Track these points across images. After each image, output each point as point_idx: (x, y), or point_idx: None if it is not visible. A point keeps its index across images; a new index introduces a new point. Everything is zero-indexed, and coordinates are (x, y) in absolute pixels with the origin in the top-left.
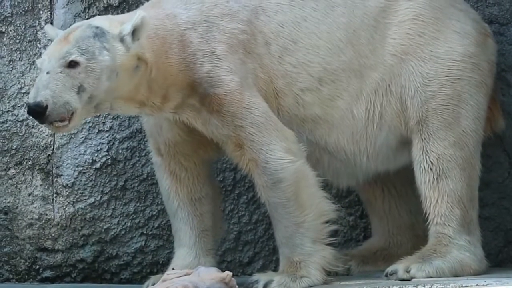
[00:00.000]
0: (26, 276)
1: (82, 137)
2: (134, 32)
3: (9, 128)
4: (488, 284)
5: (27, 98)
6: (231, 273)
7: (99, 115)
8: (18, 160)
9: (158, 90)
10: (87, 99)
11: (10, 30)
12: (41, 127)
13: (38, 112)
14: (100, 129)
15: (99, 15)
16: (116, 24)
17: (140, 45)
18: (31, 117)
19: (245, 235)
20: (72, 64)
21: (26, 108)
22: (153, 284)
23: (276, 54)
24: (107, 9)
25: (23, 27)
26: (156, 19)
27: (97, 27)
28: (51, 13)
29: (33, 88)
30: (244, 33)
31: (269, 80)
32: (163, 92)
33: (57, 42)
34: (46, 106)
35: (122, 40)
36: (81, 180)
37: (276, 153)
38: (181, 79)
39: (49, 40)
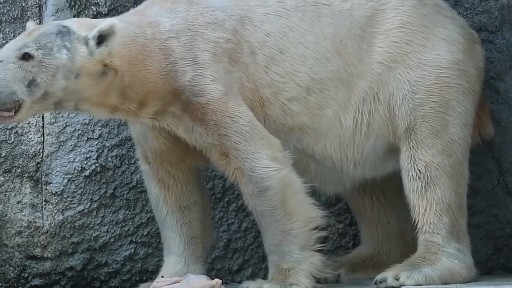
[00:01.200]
0: (15, 284)
1: (71, 145)
2: (101, 38)
3: None
4: None
5: None
6: (221, 281)
7: (89, 123)
8: (7, 167)
9: (135, 96)
10: (41, 95)
11: None
12: (31, 134)
13: None
14: (89, 136)
15: None
16: (87, 27)
17: (109, 52)
18: None
19: (235, 243)
20: (26, 57)
21: None
22: None
23: (262, 64)
24: (96, 17)
25: (12, 34)
26: (137, 27)
27: (64, 26)
28: (40, 21)
29: None
30: (229, 42)
31: (255, 89)
32: (140, 98)
33: (22, 35)
34: None
35: (86, 43)
36: (70, 188)
37: (262, 162)
38: (161, 86)
39: None
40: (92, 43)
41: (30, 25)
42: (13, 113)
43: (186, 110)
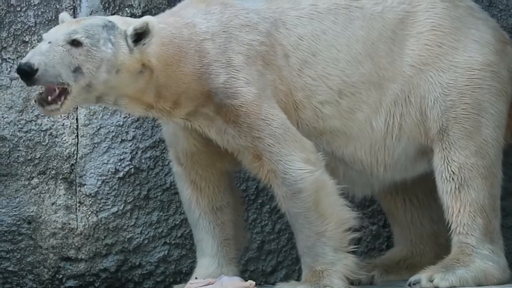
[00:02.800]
0: (50, 286)
1: (105, 147)
2: (138, 36)
3: (32, 137)
4: None
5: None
6: (254, 282)
7: (123, 125)
8: (41, 169)
9: (169, 96)
10: (85, 86)
11: (34, 40)
12: (65, 136)
13: (26, 72)
14: (123, 138)
15: None
16: (128, 25)
17: (147, 51)
18: (20, 76)
19: (268, 244)
20: (75, 43)
21: (16, 68)
22: None
23: (295, 67)
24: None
25: None
26: (174, 27)
27: (109, 21)
28: None
29: (29, 52)
30: (263, 45)
31: (288, 92)
32: (173, 98)
33: (69, 22)
34: (37, 69)
35: (126, 40)
36: (104, 190)
37: (295, 164)
38: (194, 88)
39: None
40: (130, 40)
41: (65, 15)
42: (59, 105)
43: (219, 112)
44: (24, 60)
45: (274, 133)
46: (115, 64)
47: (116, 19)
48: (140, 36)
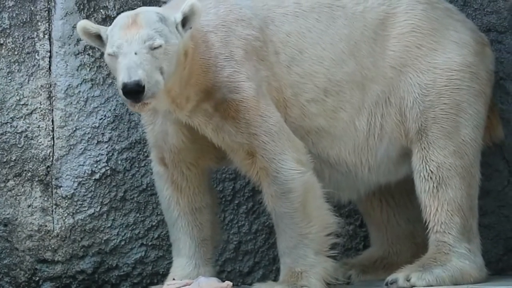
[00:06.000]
0: None
1: (81, 148)
2: (184, 21)
3: (8, 139)
4: None
5: (26, 109)
6: (231, 283)
7: (98, 126)
8: (17, 171)
9: (185, 88)
10: (166, 82)
11: (9, 42)
12: (40, 138)
13: (136, 91)
14: (99, 140)
15: None
16: (168, 11)
17: (187, 37)
18: (125, 96)
19: (245, 245)
20: (156, 46)
21: (122, 88)
22: None
23: (285, 64)
24: (106, 20)
25: (22, 38)
26: None
27: (158, 12)
28: (49, 25)
29: (122, 69)
30: (258, 40)
31: (280, 89)
32: (187, 91)
33: (126, 27)
34: (144, 85)
35: (176, 27)
36: (80, 191)
37: (288, 163)
38: (202, 81)
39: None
40: (180, 28)
41: (84, 22)
42: (151, 101)
43: (218, 109)
44: (126, 79)
45: (270, 130)
46: (178, 55)
47: (155, 9)
48: (185, 21)
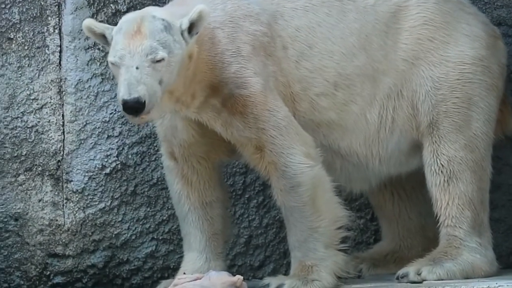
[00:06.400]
0: (37, 282)
1: (92, 143)
2: (191, 27)
3: (18, 134)
4: (499, 286)
5: (37, 104)
6: (242, 277)
7: (109, 121)
8: (28, 166)
9: (189, 86)
10: (163, 92)
11: (19, 37)
12: (51, 133)
13: (136, 108)
14: (109, 134)
15: (107, 21)
16: (170, 15)
17: (193, 42)
18: (125, 112)
19: (256, 239)
20: (158, 60)
21: (122, 104)
22: None
23: (293, 59)
24: (116, 15)
25: (32, 33)
26: None
27: (163, 19)
28: (59, 19)
29: (123, 83)
30: (265, 36)
31: (287, 84)
32: (192, 89)
33: (130, 36)
34: (144, 101)
35: (182, 34)
36: (91, 186)
37: (296, 157)
38: (208, 77)
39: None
40: (186, 34)
41: (89, 21)
42: (149, 113)
43: (226, 104)
44: (126, 96)
45: (278, 124)
46: (181, 62)
47: (161, 14)
48: (191, 26)
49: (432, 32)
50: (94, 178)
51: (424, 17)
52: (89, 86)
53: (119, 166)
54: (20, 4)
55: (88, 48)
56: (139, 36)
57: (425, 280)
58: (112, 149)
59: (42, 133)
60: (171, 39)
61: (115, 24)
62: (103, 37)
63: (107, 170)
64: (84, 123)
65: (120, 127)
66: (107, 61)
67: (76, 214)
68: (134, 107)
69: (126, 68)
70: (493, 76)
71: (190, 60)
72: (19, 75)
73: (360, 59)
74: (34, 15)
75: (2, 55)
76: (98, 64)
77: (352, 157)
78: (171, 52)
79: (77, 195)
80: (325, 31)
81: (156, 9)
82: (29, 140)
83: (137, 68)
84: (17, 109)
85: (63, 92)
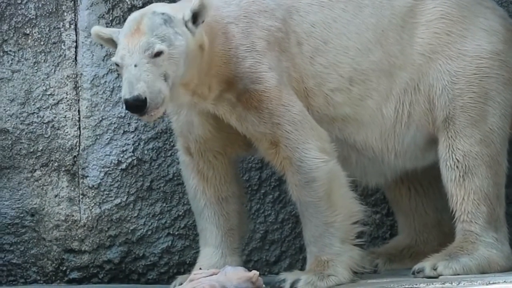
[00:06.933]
0: (54, 278)
1: (108, 138)
2: (195, 17)
3: (34, 130)
4: None
5: (53, 100)
6: (258, 272)
7: (124, 116)
8: (44, 162)
9: (205, 79)
10: (171, 86)
11: (35, 32)
12: (67, 128)
13: (138, 106)
14: (125, 129)
15: (123, 16)
16: (175, 9)
17: (200, 32)
18: (129, 111)
19: (272, 234)
20: (157, 54)
21: (124, 104)
22: (180, 284)
23: (308, 54)
24: (131, 10)
25: (48, 29)
26: None
27: (163, 13)
28: (75, 15)
29: (123, 83)
30: (280, 31)
31: (300, 79)
32: (208, 81)
33: (129, 35)
34: (145, 98)
35: (186, 25)
36: (107, 181)
37: (311, 152)
38: (223, 71)
39: (92, 41)
40: (190, 24)
41: (99, 28)
42: (158, 110)
43: (241, 99)
44: (127, 95)
45: (293, 119)
46: (187, 53)
47: (162, 8)
48: (195, 17)
49: (449, 26)
50: (110, 173)
51: (441, 11)
52: (105, 81)
53: (135, 161)
54: (36, 0)
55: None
56: (137, 34)
57: (441, 275)
58: (128, 144)
59: (58, 129)
60: (172, 31)
61: None
62: (112, 41)
63: (123, 166)
64: (100, 119)
65: (136, 123)
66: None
67: (92, 210)
68: (135, 105)
69: (126, 68)
70: (510, 71)
71: (201, 51)
72: (35, 71)
73: (376, 54)
74: (50, 10)
75: (18, 50)
76: None
77: (367, 151)
78: (172, 45)
79: (93, 191)
80: (340, 27)
81: (159, 5)
82: (45, 135)
83: (135, 66)
84: (33, 104)
85: (79, 88)
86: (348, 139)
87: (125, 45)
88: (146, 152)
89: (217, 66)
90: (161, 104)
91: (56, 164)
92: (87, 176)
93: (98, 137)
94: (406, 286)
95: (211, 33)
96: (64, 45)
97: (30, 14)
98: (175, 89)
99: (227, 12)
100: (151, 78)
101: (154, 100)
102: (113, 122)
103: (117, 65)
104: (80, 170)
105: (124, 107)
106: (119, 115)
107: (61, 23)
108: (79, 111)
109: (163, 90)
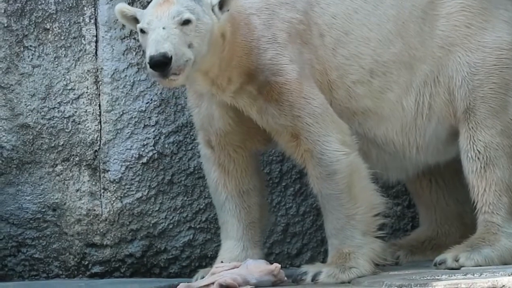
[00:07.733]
0: (76, 272)
1: (128, 132)
2: (221, 4)
3: (55, 124)
4: None
5: (73, 94)
6: (280, 265)
7: (145, 110)
8: (65, 156)
9: (225, 70)
10: (195, 58)
11: (55, 27)
12: (88, 123)
13: (163, 62)
14: (146, 124)
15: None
16: None
17: (224, 19)
18: (152, 69)
19: (293, 227)
20: (185, 22)
21: (149, 62)
22: (202, 277)
23: (330, 46)
24: None
25: (68, 23)
26: None
27: None
28: (95, 9)
29: (150, 43)
30: (302, 23)
31: (324, 71)
32: (229, 73)
33: (158, 5)
34: (171, 57)
35: (212, 9)
36: (128, 175)
37: (332, 145)
38: (244, 63)
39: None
40: (217, 9)
41: (121, 5)
42: (179, 76)
43: (261, 91)
44: (153, 52)
45: (314, 112)
46: (212, 35)
47: None
48: (221, 3)
49: (470, 19)
50: (131, 167)
51: (461, 3)
52: (125, 75)
53: (155, 155)
54: None
55: (124, 38)
56: (166, 3)
57: (463, 267)
58: (149, 138)
59: (79, 123)
60: (200, 8)
61: None
62: (135, 20)
63: (144, 160)
64: (121, 113)
65: (157, 117)
66: (143, 51)
67: (114, 204)
68: (161, 62)
69: (153, 30)
70: None
71: (223, 40)
72: (56, 66)
73: (397, 46)
74: (70, 5)
75: (39, 45)
76: (134, 53)
77: (388, 146)
78: (199, 19)
79: (114, 185)
80: (361, 18)
81: None
82: (66, 130)
83: (163, 28)
84: (54, 99)
85: (100, 82)
86: (368, 133)
87: (153, 12)
88: (167, 146)
89: (238, 57)
90: (183, 69)
91: (77, 158)
92: (108, 171)
93: (119, 131)
94: (428, 278)
95: (234, 23)
96: (84, 39)
97: (50, 9)
98: (196, 67)
99: (250, 3)
100: (178, 41)
101: (178, 62)
102: (133, 116)
103: (142, 31)
104: (101, 164)
105: (148, 66)
106: (139, 109)
107: (81, 18)
108: (99, 105)
109: (187, 55)
